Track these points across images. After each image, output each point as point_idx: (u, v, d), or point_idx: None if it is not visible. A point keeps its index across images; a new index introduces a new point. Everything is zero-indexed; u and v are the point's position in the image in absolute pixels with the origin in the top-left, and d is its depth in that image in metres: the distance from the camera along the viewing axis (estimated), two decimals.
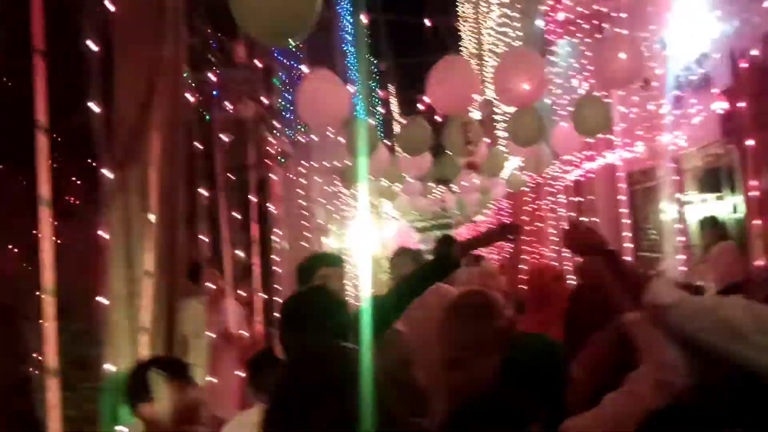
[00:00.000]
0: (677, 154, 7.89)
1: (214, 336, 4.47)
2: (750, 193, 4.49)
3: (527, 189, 12.20)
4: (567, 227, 2.39)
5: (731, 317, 1.64)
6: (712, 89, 6.43)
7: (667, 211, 8.39)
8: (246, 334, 4.62)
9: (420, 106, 4.20)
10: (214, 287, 4.69)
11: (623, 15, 7.20)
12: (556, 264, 7.10)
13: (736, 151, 6.37)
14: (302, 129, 9.06)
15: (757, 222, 4.38)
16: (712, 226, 6.60)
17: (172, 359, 2.76)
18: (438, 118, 4.49)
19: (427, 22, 11.46)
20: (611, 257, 2.04)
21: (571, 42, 9.28)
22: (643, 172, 9.10)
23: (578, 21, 8.60)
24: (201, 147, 3.99)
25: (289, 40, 2.48)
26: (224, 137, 4.23)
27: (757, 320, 1.62)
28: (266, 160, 5.55)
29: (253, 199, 4.98)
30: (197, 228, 4.57)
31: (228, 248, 4.14)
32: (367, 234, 12.42)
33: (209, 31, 4.39)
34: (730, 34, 5.13)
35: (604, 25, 7.58)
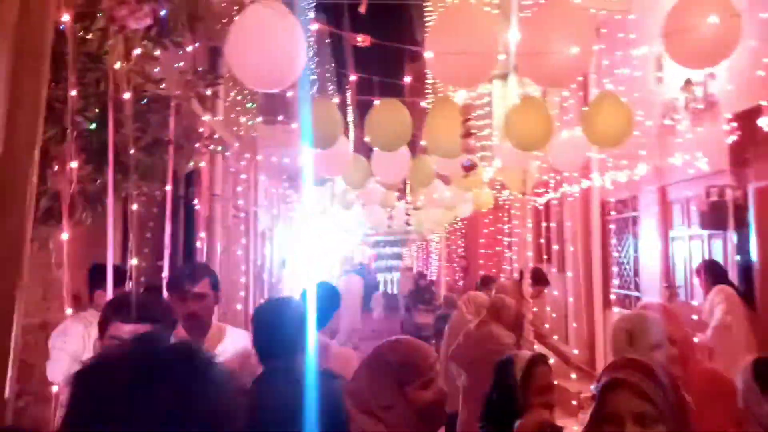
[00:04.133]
0: (667, 184, 7.09)
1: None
2: None
3: (485, 210, 11.25)
4: None
5: None
6: (725, 113, 5.62)
7: (649, 246, 7.58)
8: None
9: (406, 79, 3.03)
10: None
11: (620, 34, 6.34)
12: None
13: (747, 181, 5.57)
14: (251, 118, 7.85)
15: None
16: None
17: None
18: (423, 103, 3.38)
19: None
20: None
21: None
22: (623, 201, 8.32)
23: None
24: (80, 101, 2.78)
25: None
26: (126, 94, 3.00)
27: None
28: (196, 144, 4.32)
29: (168, 189, 3.75)
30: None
31: (113, 252, 2.92)
32: (314, 247, 11.23)
33: None
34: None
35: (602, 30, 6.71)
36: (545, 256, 8.99)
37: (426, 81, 16.21)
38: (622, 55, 6.98)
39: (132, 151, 3.24)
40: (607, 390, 1.77)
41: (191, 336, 2.71)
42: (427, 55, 2.59)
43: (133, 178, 3.54)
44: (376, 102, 3.72)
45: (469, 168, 3.20)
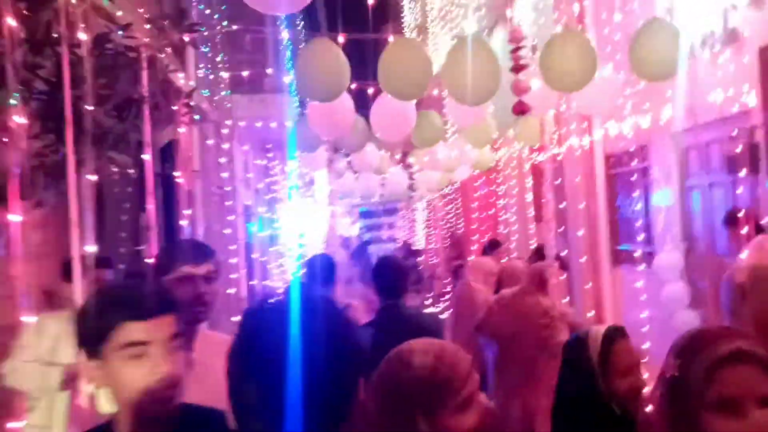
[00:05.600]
0: (682, 129, 6.62)
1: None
2: None
3: (478, 173, 10.64)
4: None
5: None
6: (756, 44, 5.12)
7: (663, 198, 7.14)
8: None
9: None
10: None
11: None
12: None
13: None
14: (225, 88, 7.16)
15: None
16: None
17: None
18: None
19: None
20: None
21: None
22: (631, 152, 7.85)
23: None
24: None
25: None
26: (82, 34, 2.36)
27: None
28: (175, 106, 3.67)
29: (146, 158, 3.12)
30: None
31: (81, 237, 2.32)
32: (299, 221, 10.63)
33: None
34: None
35: None
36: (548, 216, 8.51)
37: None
38: None
39: (92, 109, 2.60)
40: (723, 365, 1.29)
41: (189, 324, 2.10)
42: None
43: (88, 148, 2.89)
44: (391, 39, 3.13)
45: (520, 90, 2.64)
